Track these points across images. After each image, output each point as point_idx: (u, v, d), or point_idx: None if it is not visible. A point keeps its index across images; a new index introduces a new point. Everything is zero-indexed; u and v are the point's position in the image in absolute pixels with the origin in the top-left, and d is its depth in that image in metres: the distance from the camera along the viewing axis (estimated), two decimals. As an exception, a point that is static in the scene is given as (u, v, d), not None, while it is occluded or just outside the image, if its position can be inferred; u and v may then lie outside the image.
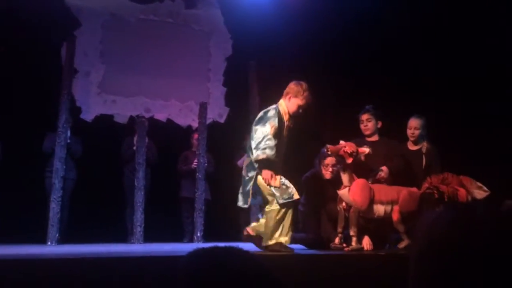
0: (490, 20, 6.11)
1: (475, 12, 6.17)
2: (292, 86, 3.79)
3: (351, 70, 6.75)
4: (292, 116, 3.82)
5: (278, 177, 3.61)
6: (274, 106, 3.78)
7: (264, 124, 3.61)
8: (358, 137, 4.55)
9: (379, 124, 4.53)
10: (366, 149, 4.01)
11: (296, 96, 3.76)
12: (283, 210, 3.63)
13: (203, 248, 0.86)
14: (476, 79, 6.28)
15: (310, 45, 6.71)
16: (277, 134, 3.61)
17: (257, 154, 3.55)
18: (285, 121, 3.77)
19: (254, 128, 3.69)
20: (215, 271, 0.77)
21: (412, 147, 4.66)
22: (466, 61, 6.25)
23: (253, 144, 3.61)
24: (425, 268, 0.77)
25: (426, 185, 4.05)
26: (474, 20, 6.23)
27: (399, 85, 6.51)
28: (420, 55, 6.52)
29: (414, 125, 4.60)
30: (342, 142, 4.01)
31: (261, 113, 3.74)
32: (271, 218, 3.63)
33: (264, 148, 3.52)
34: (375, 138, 4.51)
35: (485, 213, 0.78)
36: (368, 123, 4.49)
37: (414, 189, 4.13)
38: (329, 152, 3.90)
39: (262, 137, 3.56)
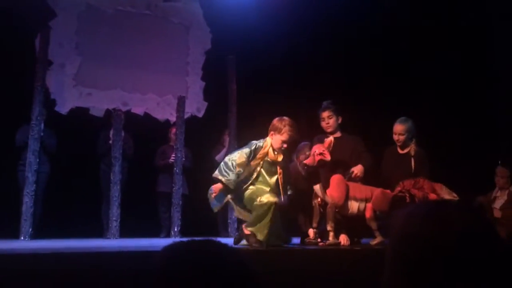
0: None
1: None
2: (274, 123, 3.91)
3: (330, 66, 6.80)
4: (281, 151, 3.91)
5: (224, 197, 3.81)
6: (261, 140, 3.93)
7: (237, 151, 3.89)
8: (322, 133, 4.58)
9: (340, 120, 4.54)
10: (329, 139, 4.07)
11: (278, 133, 3.86)
12: (265, 208, 3.70)
13: (179, 242, 0.84)
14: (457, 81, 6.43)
15: (290, 41, 6.72)
16: (245, 163, 3.77)
17: (216, 173, 3.79)
18: (267, 157, 3.86)
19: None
20: (191, 264, 0.76)
21: (400, 150, 4.61)
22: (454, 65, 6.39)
23: (221, 165, 3.83)
24: (399, 261, 0.78)
25: (398, 188, 4.12)
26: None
27: (383, 83, 6.59)
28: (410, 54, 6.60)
29: (398, 130, 4.53)
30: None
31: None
32: (256, 210, 3.75)
33: (221, 171, 3.75)
34: (337, 134, 4.52)
35: (457, 208, 0.80)
36: (329, 120, 4.49)
37: (388, 190, 4.18)
38: (307, 164, 3.99)
39: (228, 161, 3.79)
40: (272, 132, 3.88)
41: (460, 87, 6.49)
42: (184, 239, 0.86)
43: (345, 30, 6.63)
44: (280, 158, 3.91)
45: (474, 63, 6.46)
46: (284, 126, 3.83)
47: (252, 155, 3.80)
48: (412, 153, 4.49)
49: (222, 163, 3.84)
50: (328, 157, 3.96)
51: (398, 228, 0.82)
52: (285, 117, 3.91)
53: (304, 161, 4.02)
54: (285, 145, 3.87)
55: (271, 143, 3.88)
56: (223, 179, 3.71)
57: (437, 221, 0.77)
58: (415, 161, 4.47)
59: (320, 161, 3.96)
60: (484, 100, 6.45)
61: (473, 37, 6.45)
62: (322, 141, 4.20)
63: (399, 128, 4.54)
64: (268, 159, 3.87)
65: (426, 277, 0.74)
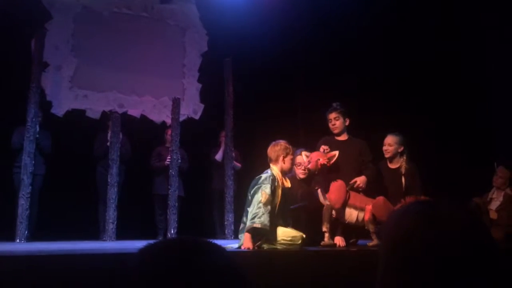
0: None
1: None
2: (277, 149, 3.85)
3: (327, 68, 6.81)
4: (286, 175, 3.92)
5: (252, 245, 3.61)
6: (266, 172, 3.81)
7: (257, 193, 3.66)
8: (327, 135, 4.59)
9: (347, 122, 4.54)
10: (333, 153, 4.07)
11: (288, 154, 3.85)
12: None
13: (154, 243, 0.78)
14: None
15: (286, 43, 6.73)
16: (270, 200, 3.65)
17: (248, 224, 3.60)
18: (280, 184, 3.80)
19: (249, 195, 3.75)
20: (169, 266, 0.71)
21: (391, 165, 4.59)
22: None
23: (249, 215, 3.64)
24: (392, 260, 0.79)
25: (399, 205, 4.09)
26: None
27: (381, 89, 6.60)
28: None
29: (388, 141, 4.55)
30: (305, 153, 4.12)
31: (253, 181, 3.78)
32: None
33: (253, 218, 3.57)
34: (344, 137, 4.53)
35: (450, 208, 0.80)
36: (336, 122, 4.50)
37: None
38: (310, 169, 4.01)
39: (254, 207, 3.61)
40: (281, 157, 3.82)
41: (456, 90, 6.53)
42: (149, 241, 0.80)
43: (342, 31, 6.65)
44: (288, 183, 3.91)
45: (469, 65, 6.50)
46: (287, 146, 3.87)
47: (272, 188, 3.70)
48: (403, 170, 4.49)
49: (250, 213, 3.63)
50: (329, 165, 4.05)
51: (391, 227, 0.82)
52: (280, 140, 3.92)
53: (308, 166, 4.03)
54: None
55: (280, 169, 3.83)
56: (258, 225, 3.54)
57: (429, 220, 0.78)
58: (405, 178, 4.47)
59: (322, 169, 4.00)
60: (480, 102, 6.48)
61: (467, 42, 6.50)
62: (328, 143, 4.24)
63: (389, 139, 4.57)
64: (282, 188, 3.82)
65: (419, 276, 0.74)
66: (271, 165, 3.86)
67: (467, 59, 6.49)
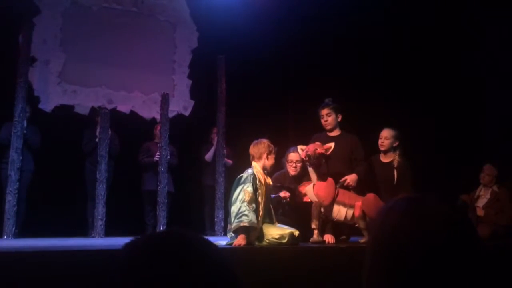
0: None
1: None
2: (260, 146, 3.89)
3: (318, 66, 6.82)
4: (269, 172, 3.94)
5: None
6: (247, 171, 3.83)
7: (239, 192, 3.69)
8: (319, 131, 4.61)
9: (339, 118, 4.56)
10: (331, 144, 4.10)
11: (271, 152, 3.90)
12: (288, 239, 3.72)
13: (139, 237, 0.75)
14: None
15: (277, 40, 6.73)
16: (254, 198, 3.67)
17: (235, 224, 3.63)
18: (262, 182, 3.80)
19: (232, 194, 3.75)
20: (153, 259, 0.68)
21: (383, 158, 4.64)
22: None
23: (234, 215, 3.66)
24: (379, 255, 0.79)
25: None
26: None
27: (372, 85, 6.62)
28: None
29: (384, 134, 4.60)
30: (300, 146, 4.14)
31: (235, 181, 3.80)
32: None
33: (240, 217, 3.59)
34: (336, 132, 4.56)
35: (435, 205, 0.81)
36: (328, 118, 4.52)
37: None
38: (310, 155, 4.00)
39: (239, 206, 3.63)
40: (265, 155, 3.86)
41: (447, 87, 6.58)
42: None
43: (334, 28, 6.66)
44: (270, 180, 3.93)
45: (462, 63, 6.55)
46: (270, 145, 3.91)
47: (254, 186, 3.72)
48: (395, 164, 4.53)
49: (234, 212, 3.67)
50: (328, 153, 4.12)
51: (379, 222, 0.83)
52: (262, 139, 3.96)
53: (308, 153, 4.02)
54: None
55: (262, 167, 3.85)
56: (246, 224, 3.56)
57: (414, 217, 0.78)
58: (397, 172, 4.51)
59: (319, 158, 4.05)
60: (470, 101, 6.54)
61: (462, 38, 6.55)
62: (320, 139, 4.27)
63: (385, 133, 4.61)
64: (263, 185, 3.83)
65: (403, 273, 0.75)
66: (253, 162, 3.90)
67: (461, 57, 6.53)
